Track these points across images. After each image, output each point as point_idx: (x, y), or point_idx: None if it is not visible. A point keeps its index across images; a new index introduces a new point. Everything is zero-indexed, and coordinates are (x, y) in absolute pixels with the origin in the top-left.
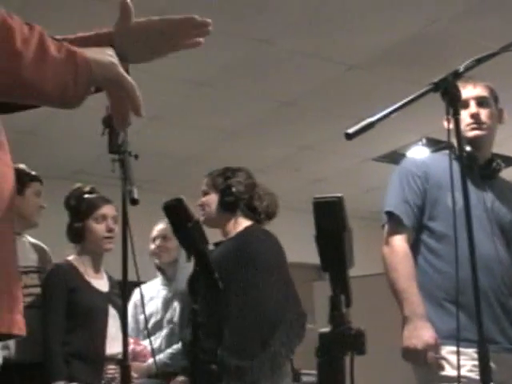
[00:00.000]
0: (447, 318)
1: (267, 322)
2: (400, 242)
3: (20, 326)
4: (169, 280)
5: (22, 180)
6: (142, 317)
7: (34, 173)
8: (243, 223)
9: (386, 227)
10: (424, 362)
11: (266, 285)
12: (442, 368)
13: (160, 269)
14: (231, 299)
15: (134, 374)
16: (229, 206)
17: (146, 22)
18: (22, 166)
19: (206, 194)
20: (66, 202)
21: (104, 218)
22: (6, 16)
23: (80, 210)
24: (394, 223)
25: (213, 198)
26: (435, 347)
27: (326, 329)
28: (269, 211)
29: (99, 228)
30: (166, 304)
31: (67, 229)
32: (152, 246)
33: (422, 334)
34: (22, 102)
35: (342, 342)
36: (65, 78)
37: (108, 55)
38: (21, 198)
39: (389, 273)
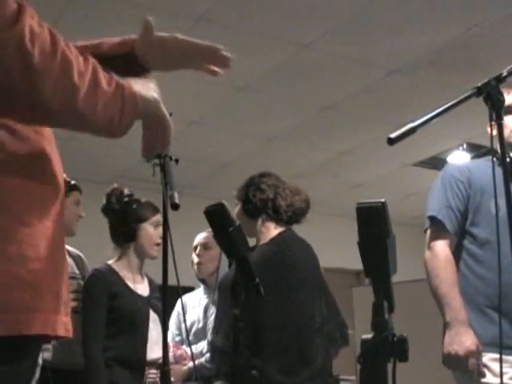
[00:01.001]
0: (489, 324)
1: (308, 334)
2: (442, 247)
3: (67, 328)
4: (210, 289)
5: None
6: (183, 325)
7: (73, 182)
8: (272, 227)
9: (429, 232)
10: (465, 369)
11: (306, 296)
12: (483, 375)
13: (199, 277)
14: (270, 310)
15: (173, 378)
16: (251, 212)
17: (169, 39)
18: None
19: (236, 206)
20: (108, 202)
21: (158, 224)
22: (66, 49)
23: (133, 211)
24: (437, 228)
25: (239, 209)
26: (477, 354)
27: (369, 335)
28: (295, 209)
29: (155, 233)
30: (207, 312)
31: (116, 229)
32: (193, 256)
33: (463, 340)
34: (70, 130)
35: (385, 348)
36: (112, 111)
37: (152, 90)
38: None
39: (431, 278)
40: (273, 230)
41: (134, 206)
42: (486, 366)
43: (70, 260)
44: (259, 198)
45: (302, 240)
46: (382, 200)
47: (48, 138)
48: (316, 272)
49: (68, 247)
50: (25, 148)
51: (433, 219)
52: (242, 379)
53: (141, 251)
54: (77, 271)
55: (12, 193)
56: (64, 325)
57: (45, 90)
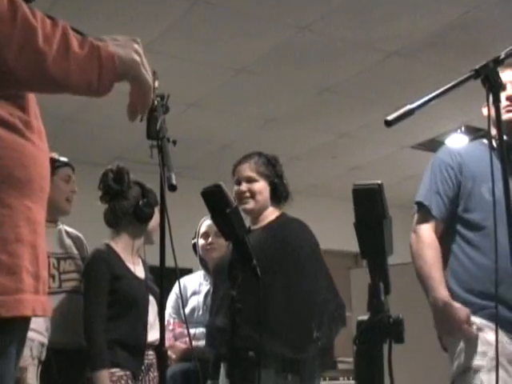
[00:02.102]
0: (484, 308)
1: (313, 313)
2: (427, 230)
3: (44, 307)
4: (211, 275)
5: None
6: (184, 310)
7: (63, 159)
8: (276, 211)
9: (415, 217)
10: (462, 335)
11: (309, 276)
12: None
13: (203, 263)
14: (276, 289)
15: (172, 355)
16: (282, 197)
17: None
18: (52, 154)
19: (253, 180)
20: (129, 181)
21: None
22: (28, 15)
23: (149, 196)
24: (423, 213)
25: (264, 186)
26: (468, 320)
27: (364, 316)
28: (289, 194)
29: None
30: (208, 300)
31: (135, 208)
32: (201, 241)
33: (449, 312)
34: (50, 94)
35: (380, 329)
36: (89, 73)
37: (132, 50)
38: (70, 201)
39: (414, 260)
40: (272, 214)
41: (150, 193)
42: (479, 328)
43: (68, 240)
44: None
45: (301, 222)
46: (379, 182)
47: (30, 124)
48: (317, 254)
49: (67, 228)
50: (4, 131)
51: (420, 205)
52: (239, 360)
53: (150, 235)
54: (75, 251)
55: None
56: (42, 304)
57: (8, 58)
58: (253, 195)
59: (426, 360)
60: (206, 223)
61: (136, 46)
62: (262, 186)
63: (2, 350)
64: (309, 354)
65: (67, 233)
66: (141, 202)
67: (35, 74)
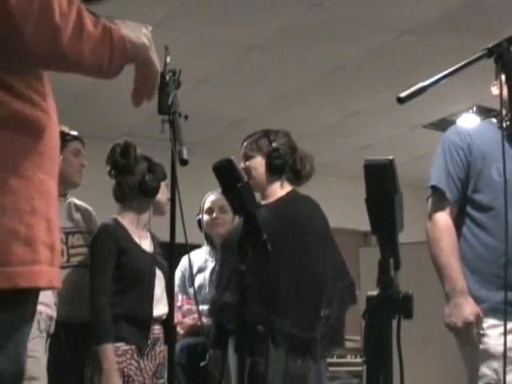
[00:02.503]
0: (491, 291)
1: (321, 291)
2: (442, 216)
3: (59, 279)
4: (216, 251)
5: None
6: (191, 290)
7: (73, 132)
8: (287, 187)
9: (430, 201)
10: (464, 340)
11: (318, 254)
12: (482, 342)
13: (208, 238)
14: (285, 266)
15: (180, 331)
16: (277, 169)
17: None
18: (62, 127)
19: (249, 157)
20: (136, 156)
21: (167, 186)
22: None
23: (155, 170)
24: (437, 197)
25: (259, 162)
26: (476, 323)
27: (374, 292)
28: (310, 174)
29: (167, 194)
30: (213, 276)
31: (141, 182)
32: (206, 217)
33: (461, 311)
34: (60, 72)
35: (390, 305)
36: (101, 54)
37: (143, 35)
38: (81, 172)
39: (431, 247)
40: (282, 190)
41: (157, 166)
42: (485, 334)
43: (77, 214)
44: (285, 155)
45: (311, 200)
46: (390, 157)
47: (43, 95)
48: (326, 232)
49: (76, 201)
50: (20, 104)
51: (434, 188)
52: (248, 335)
53: (158, 208)
54: (84, 225)
55: (4, 145)
56: (57, 276)
57: (25, 32)
58: (248, 172)
59: (433, 340)
60: (210, 199)
61: (146, 31)
62: (257, 162)
63: (23, 321)
64: (318, 332)
65: (76, 206)
66: (147, 177)
67: (49, 50)
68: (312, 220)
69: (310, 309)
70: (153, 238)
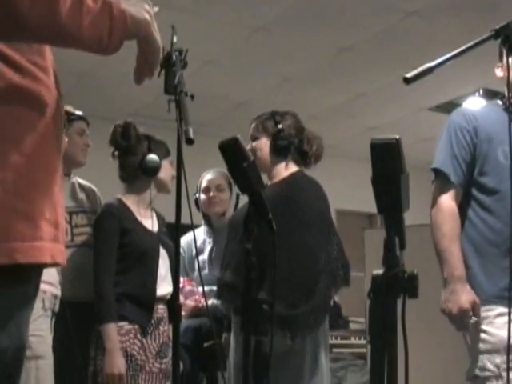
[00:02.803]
0: (497, 275)
1: (312, 271)
2: (447, 200)
3: (64, 256)
4: (214, 231)
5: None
6: (199, 263)
7: (78, 112)
8: (292, 167)
9: (434, 185)
10: (458, 327)
11: (312, 234)
12: (481, 331)
13: (206, 217)
14: (280, 245)
15: (182, 312)
16: (281, 149)
17: None
18: (67, 107)
19: (255, 138)
20: (137, 136)
21: (172, 163)
22: None
23: (157, 148)
24: (442, 181)
25: (264, 142)
26: (474, 310)
27: (379, 271)
28: (317, 155)
29: (171, 172)
30: (212, 260)
31: (141, 161)
32: (203, 196)
33: (457, 298)
34: (59, 47)
35: (395, 284)
36: (101, 29)
37: (144, 10)
38: (85, 151)
39: (433, 231)
40: (286, 170)
41: (159, 144)
42: (491, 322)
43: (81, 194)
44: (291, 137)
45: (314, 181)
46: (397, 137)
47: (45, 70)
48: (325, 213)
49: (80, 180)
50: (20, 77)
51: (437, 171)
52: (252, 314)
53: (161, 186)
54: (88, 205)
55: (6, 121)
56: (62, 253)
57: (23, 4)
58: (253, 153)
59: (436, 321)
60: (207, 178)
61: (148, 7)
62: (262, 143)
63: (26, 298)
64: (301, 311)
65: (81, 186)
66: (147, 157)
67: (47, 23)
68: (312, 200)
69: (297, 287)
70: (158, 217)
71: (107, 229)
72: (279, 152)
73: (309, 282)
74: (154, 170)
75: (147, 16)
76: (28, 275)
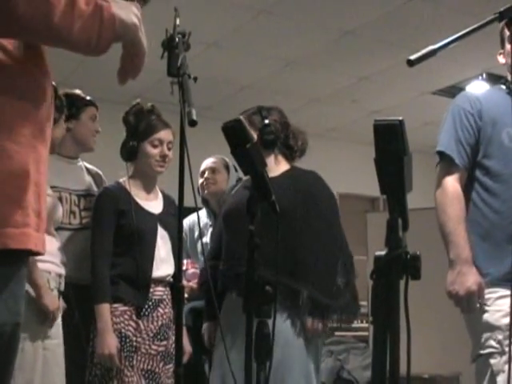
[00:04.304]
0: (503, 259)
1: (337, 261)
2: (451, 183)
3: (44, 246)
4: (213, 212)
5: (77, 105)
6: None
7: (88, 98)
8: (283, 162)
9: (438, 168)
10: (465, 309)
11: (332, 228)
12: (489, 313)
13: (205, 201)
14: (304, 235)
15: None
16: (268, 143)
17: None
18: (77, 91)
19: None
20: (124, 118)
21: (160, 142)
22: None
23: (138, 129)
24: (446, 164)
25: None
26: (479, 293)
27: (382, 252)
28: (302, 149)
29: (153, 152)
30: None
31: (122, 145)
32: (200, 180)
33: (464, 280)
34: (48, 46)
35: (398, 265)
36: (90, 31)
37: (133, 14)
38: (76, 123)
39: (438, 215)
40: (283, 165)
41: (141, 124)
42: (487, 305)
43: (89, 178)
44: (276, 131)
45: (319, 176)
46: (400, 118)
47: (40, 61)
48: (337, 206)
49: (87, 165)
50: (16, 67)
51: (442, 154)
52: (256, 295)
53: (144, 169)
54: (95, 188)
55: (3, 110)
56: (43, 243)
57: (19, 3)
58: None
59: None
60: (204, 162)
61: (136, 10)
62: None
63: (20, 277)
64: (344, 300)
65: (87, 170)
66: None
67: (41, 23)
68: (326, 195)
69: (331, 277)
70: (165, 198)
71: (103, 211)
72: (266, 146)
73: (336, 273)
74: (127, 154)
75: (136, 20)
76: (17, 260)
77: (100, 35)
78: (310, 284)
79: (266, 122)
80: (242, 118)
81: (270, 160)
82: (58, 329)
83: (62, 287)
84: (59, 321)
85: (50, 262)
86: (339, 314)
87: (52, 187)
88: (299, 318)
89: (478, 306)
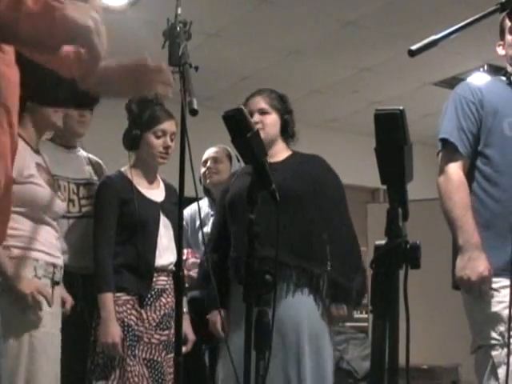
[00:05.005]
0: (505, 248)
1: (352, 243)
2: (455, 169)
3: (4, 235)
4: (215, 202)
5: None
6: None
7: None
8: (284, 147)
9: (441, 155)
10: (477, 294)
11: (331, 208)
12: (494, 300)
13: (207, 190)
14: (316, 218)
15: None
16: (291, 132)
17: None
18: None
19: (265, 113)
20: (127, 105)
21: (164, 133)
22: None
23: (141, 118)
24: (449, 151)
25: (275, 119)
26: (489, 279)
27: (382, 241)
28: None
29: (157, 143)
30: None
31: (124, 134)
32: (202, 169)
33: (476, 264)
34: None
35: (397, 254)
36: (39, 29)
37: (89, 17)
38: (59, 112)
39: (444, 202)
40: (285, 150)
41: (145, 115)
42: (497, 291)
43: (88, 166)
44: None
45: (318, 157)
46: (401, 107)
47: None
48: (338, 184)
49: (87, 154)
50: None
51: (445, 142)
52: (255, 284)
53: (147, 159)
54: (95, 177)
55: None
56: (3, 232)
57: None
58: (264, 127)
59: (439, 296)
60: (207, 152)
61: (95, 14)
62: (273, 119)
63: None
64: (357, 281)
65: (87, 158)
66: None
67: None
68: (336, 179)
69: (347, 259)
70: (167, 187)
71: (105, 201)
72: (287, 133)
73: (356, 254)
74: (130, 143)
75: (91, 23)
76: None
77: (51, 34)
78: (330, 267)
79: (290, 109)
80: (242, 106)
81: (283, 146)
82: (50, 318)
83: (58, 277)
84: (53, 310)
85: (40, 250)
86: (356, 296)
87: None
88: (321, 301)
89: (488, 291)
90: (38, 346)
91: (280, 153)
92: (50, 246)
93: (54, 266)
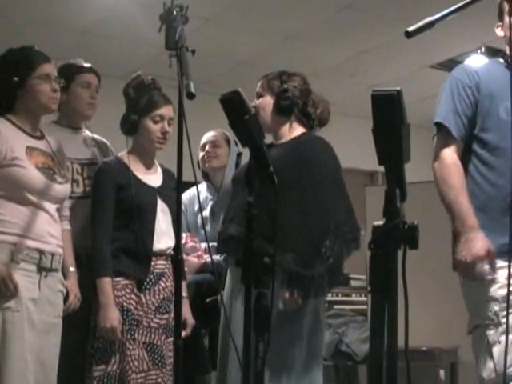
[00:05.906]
0: (499, 231)
1: (326, 230)
2: (449, 153)
3: None
4: (214, 187)
5: (67, 74)
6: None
7: (84, 64)
8: (297, 129)
9: (435, 139)
10: (472, 276)
11: (326, 194)
12: (494, 281)
13: (205, 174)
14: (291, 203)
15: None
16: (284, 109)
17: None
18: (73, 60)
19: (260, 96)
20: (124, 90)
21: (162, 118)
22: None
23: (139, 103)
24: (443, 135)
25: (268, 101)
26: (487, 258)
27: (380, 222)
28: (322, 118)
29: (154, 128)
30: (215, 215)
31: (122, 118)
32: (201, 153)
33: (472, 245)
34: None
35: (395, 234)
36: None
37: None
38: (66, 93)
39: (439, 185)
40: (296, 131)
41: (143, 100)
42: (494, 271)
43: (93, 148)
44: (295, 98)
45: (325, 142)
46: (398, 88)
47: None
48: (338, 173)
49: (93, 134)
50: None
51: (439, 126)
52: (254, 265)
53: (144, 144)
54: (100, 158)
55: None
56: None
57: None
58: (257, 110)
59: (439, 280)
60: (205, 136)
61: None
62: (265, 101)
63: None
64: (317, 270)
65: (93, 139)
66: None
67: None
68: (320, 160)
69: (312, 246)
70: (165, 172)
71: (102, 186)
72: (282, 112)
73: (322, 241)
74: (127, 127)
75: None
76: None
77: None
78: (289, 252)
79: (285, 86)
80: (239, 89)
81: (285, 127)
82: (31, 304)
83: (46, 264)
84: (26, 294)
85: (18, 234)
86: (316, 283)
87: None
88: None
89: (487, 270)
90: (11, 331)
91: (284, 134)
92: (35, 231)
93: (41, 251)
